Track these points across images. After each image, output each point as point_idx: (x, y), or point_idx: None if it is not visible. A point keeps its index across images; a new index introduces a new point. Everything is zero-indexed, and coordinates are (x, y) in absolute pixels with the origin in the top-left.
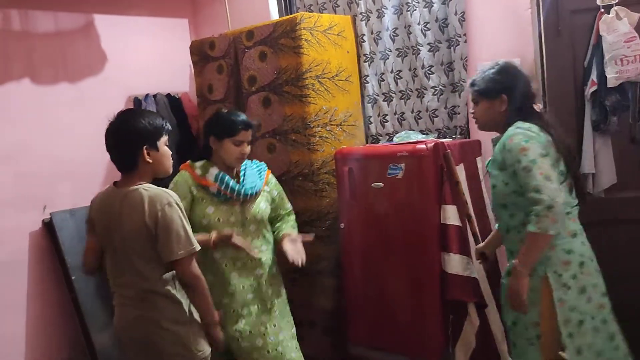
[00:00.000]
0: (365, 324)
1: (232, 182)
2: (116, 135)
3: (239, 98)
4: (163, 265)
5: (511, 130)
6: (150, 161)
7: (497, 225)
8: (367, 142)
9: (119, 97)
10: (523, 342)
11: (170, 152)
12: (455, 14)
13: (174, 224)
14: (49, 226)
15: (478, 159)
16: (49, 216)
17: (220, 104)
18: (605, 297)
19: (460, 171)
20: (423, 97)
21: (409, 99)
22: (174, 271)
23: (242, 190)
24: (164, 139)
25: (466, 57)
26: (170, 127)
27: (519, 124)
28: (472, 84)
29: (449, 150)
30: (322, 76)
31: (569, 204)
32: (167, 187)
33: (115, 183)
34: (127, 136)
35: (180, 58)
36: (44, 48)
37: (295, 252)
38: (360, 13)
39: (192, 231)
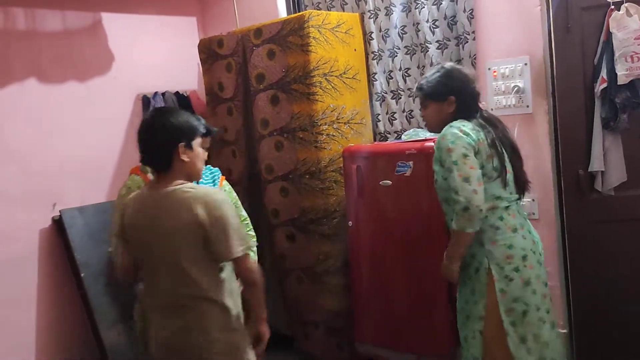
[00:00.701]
0: (372, 322)
1: None
2: (152, 131)
3: (248, 96)
4: (211, 268)
5: (445, 129)
6: (187, 159)
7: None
8: (375, 140)
9: (127, 95)
10: (469, 335)
11: (204, 155)
12: (464, 11)
13: (231, 221)
14: (58, 223)
15: None
16: (59, 214)
17: (230, 102)
18: (547, 286)
19: None
20: None
21: (418, 96)
22: (221, 274)
23: None
24: (199, 140)
25: (475, 54)
26: (204, 130)
27: (455, 122)
28: (420, 88)
29: None
30: (329, 74)
31: (507, 199)
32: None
33: (148, 185)
34: (164, 131)
35: (188, 56)
36: (51, 47)
37: None
38: (369, 11)
39: None
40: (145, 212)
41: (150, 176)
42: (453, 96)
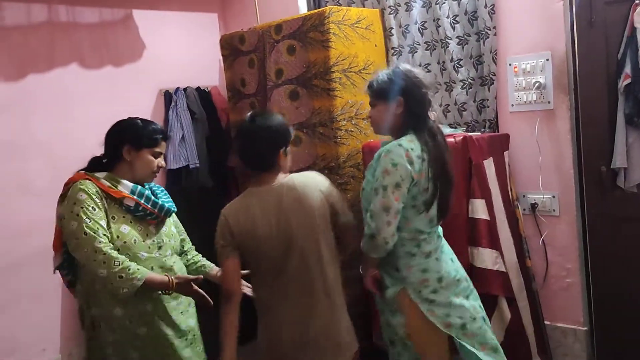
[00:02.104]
0: None
1: (152, 196)
2: (261, 134)
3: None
4: (335, 259)
5: (392, 144)
6: (287, 157)
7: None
8: None
9: (150, 90)
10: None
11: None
12: (485, 6)
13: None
14: None
15: (506, 153)
16: None
17: (252, 98)
18: (470, 297)
19: (489, 165)
20: (452, 90)
21: (437, 92)
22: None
23: (165, 206)
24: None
25: (496, 50)
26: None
27: (405, 139)
28: (369, 87)
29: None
30: (349, 70)
31: (427, 232)
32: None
33: (251, 188)
34: (271, 135)
35: (209, 52)
36: (76, 43)
37: None
38: (389, 6)
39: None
40: (273, 210)
41: (105, 182)
42: (402, 97)
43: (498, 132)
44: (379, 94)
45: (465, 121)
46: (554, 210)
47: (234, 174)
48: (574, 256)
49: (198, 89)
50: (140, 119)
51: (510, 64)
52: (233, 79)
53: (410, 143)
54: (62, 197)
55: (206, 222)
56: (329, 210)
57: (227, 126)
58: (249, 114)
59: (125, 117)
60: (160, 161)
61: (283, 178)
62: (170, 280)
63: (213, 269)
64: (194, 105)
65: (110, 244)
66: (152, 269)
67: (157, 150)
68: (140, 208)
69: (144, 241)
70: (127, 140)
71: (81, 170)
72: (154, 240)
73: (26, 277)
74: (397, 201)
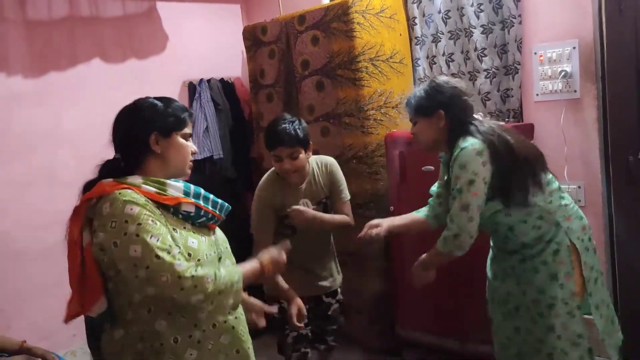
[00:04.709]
0: (414, 307)
1: (209, 194)
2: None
3: (289, 83)
4: None
5: (458, 149)
6: None
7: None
8: None
9: (174, 82)
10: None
11: None
12: None
13: None
14: None
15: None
16: None
17: (270, 89)
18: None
19: None
20: (475, 80)
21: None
22: None
23: (225, 204)
24: None
25: (521, 38)
26: None
27: (464, 143)
28: (407, 104)
29: None
30: (376, 59)
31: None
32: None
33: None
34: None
35: (232, 43)
36: (99, 36)
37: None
38: None
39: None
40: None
41: (149, 188)
42: (442, 110)
43: (522, 122)
44: (418, 110)
45: (489, 111)
46: (579, 201)
47: (257, 165)
48: (600, 247)
49: (221, 80)
50: (155, 98)
51: (535, 53)
52: (254, 70)
53: (470, 140)
54: (91, 219)
55: (230, 213)
56: None
57: (250, 117)
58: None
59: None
60: (193, 145)
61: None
62: (263, 263)
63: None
64: (218, 97)
65: (190, 261)
66: None
67: (187, 131)
68: (202, 212)
69: (210, 255)
70: (150, 127)
71: (95, 179)
72: (214, 252)
73: (54, 265)
74: (477, 195)
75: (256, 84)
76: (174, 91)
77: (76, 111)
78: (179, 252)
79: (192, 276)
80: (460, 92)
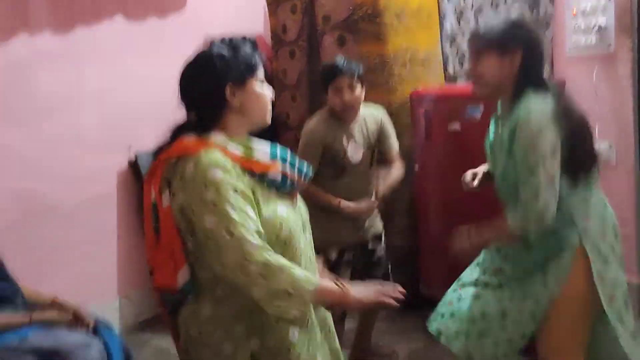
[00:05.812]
0: (438, 265)
1: (294, 157)
2: None
3: (312, 38)
4: None
5: (527, 108)
6: None
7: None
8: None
9: (196, 39)
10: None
11: None
12: None
13: None
14: (134, 165)
15: None
16: (134, 156)
17: (293, 46)
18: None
19: None
20: None
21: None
22: None
23: (306, 173)
24: None
25: None
26: None
27: (535, 99)
28: (476, 34)
29: None
30: (401, 13)
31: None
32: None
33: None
34: None
35: None
36: None
37: None
38: None
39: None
40: None
41: (235, 151)
42: (521, 50)
43: (553, 78)
44: (491, 42)
45: None
46: (610, 160)
47: (281, 123)
48: (630, 207)
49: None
50: (219, 43)
51: (568, 5)
52: (276, 26)
53: (540, 98)
54: (173, 177)
55: None
56: None
57: (272, 74)
58: None
59: (176, 67)
60: (270, 90)
61: None
62: (347, 292)
63: None
64: None
65: (267, 245)
66: (306, 267)
67: (261, 76)
68: (288, 180)
69: (296, 223)
70: (223, 77)
71: (172, 137)
72: (300, 220)
73: (82, 224)
74: (558, 169)
75: (278, 41)
76: (196, 48)
77: (100, 71)
78: (257, 232)
79: (265, 263)
80: (539, 37)
